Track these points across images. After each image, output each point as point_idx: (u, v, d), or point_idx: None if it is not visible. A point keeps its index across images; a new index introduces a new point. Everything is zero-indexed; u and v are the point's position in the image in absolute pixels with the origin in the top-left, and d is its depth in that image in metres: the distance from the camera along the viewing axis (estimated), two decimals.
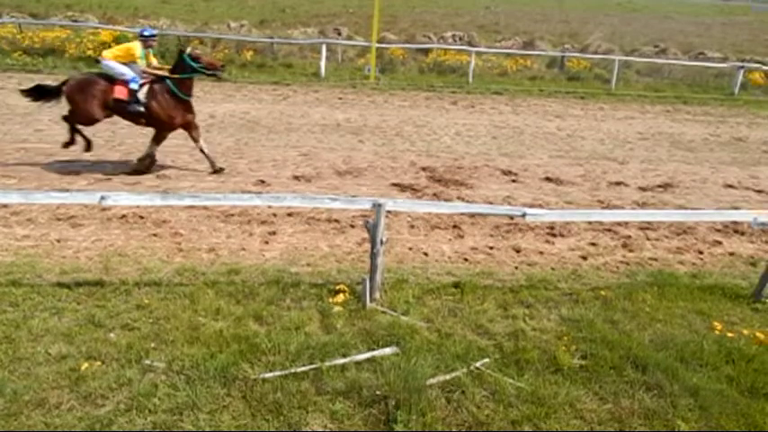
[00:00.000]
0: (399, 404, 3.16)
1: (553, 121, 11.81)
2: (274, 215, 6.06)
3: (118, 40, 14.60)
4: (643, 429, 3.18)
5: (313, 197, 5.25)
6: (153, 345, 3.66)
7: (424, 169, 7.94)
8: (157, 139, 7.23)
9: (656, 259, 5.63)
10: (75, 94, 6.85)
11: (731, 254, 5.88)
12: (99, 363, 3.44)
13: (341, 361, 3.54)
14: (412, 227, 6.06)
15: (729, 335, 4.13)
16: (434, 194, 6.99)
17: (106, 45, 14.48)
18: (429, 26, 22.56)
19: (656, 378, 3.56)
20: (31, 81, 12.38)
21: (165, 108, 6.93)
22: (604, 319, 4.28)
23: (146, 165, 7.22)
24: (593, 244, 5.88)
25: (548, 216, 5.01)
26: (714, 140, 10.92)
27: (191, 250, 5.19)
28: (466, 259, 5.37)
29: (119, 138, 8.64)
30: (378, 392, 3.26)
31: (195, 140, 7.36)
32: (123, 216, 5.77)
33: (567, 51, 17.87)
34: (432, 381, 3.39)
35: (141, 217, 5.79)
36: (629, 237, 6.07)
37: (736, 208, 7.10)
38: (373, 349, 3.69)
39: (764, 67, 16.51)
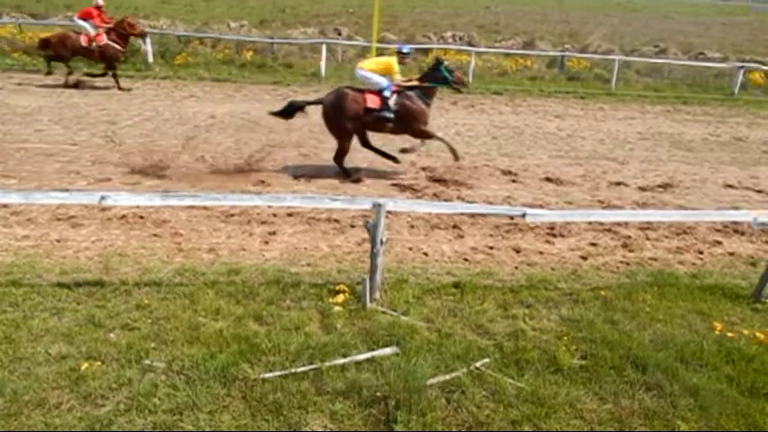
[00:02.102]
0: (399, 404, 3.16)
1: (553, 121, 11.81)
2: (274, 215, 6.06)
3: None
4: (643, 429, 3.18)
5: (313, 197, 5.25)
6: (153, 345, 3.66)
7: (424, 169, 7.94)
8: (423, 136, 7.58)
9: (656, 259, 5.63)
10: (331, 109, 7.21)
11: (731, 254, 5.88)
12: (99, 363, 3.44)
13: (341, 361, 3.54)
14: (412, 227, 6.06)
15: (729, 335, 4.13)
16: (434, 194, 6.99)
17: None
18: (429, 26, 22.57)
19: (656, 378, 3.56)
20: (31, 81, 12.54)
21: (419, 111, 7.36)
22: (604, 319, 4.28)
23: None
24: (593, 244, 5.88)
25: (548, 216, 5.01)
26: (714, 140, 10.92)
27: (191, 250, 5.19)
28: (466, 259, 5.37)
29: (119, 138, 8.63)
30: (378, 392, 3.26)
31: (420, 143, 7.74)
32: (123, 216, 5.77)
33: (566, 51, 17.87)
34: (432, 381, 3.39)
35: (141, 217, 5.79)
36: (629, 237, 6.07)
37: (736, 208, 7.09)
38: (373, 349, 3.69)
39: (764, 67, 16.51)
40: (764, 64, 16.81)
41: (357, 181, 7.36)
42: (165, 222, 5.73)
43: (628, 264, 5.48)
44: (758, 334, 4.12)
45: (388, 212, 4.76)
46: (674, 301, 4.65)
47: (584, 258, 5.55)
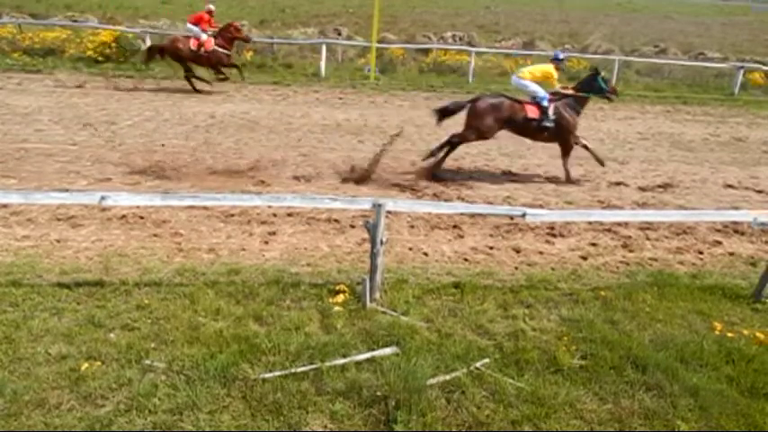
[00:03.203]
0: (399, 404, 3.16)
1: None
2: (274, 215, 6.06)
3: (118, 39, 14.64)
4: (643, 429, 3.18)
5: (313, 197, 5.25)
6: (153, 345, 3.66)
7: (424, 169, 7.93)
8: (567, 152, 7.82)
9: (656, 259, 5.62)
10: (484, 112, 7.45)
11: (731, 254, 5.87)
12: (99, 363, 3.43)
13: (341, 361, 3.54)
14: (412, 227, 6.05)
15: (729, 335, 4.13)
16: (434, 194, 6.99)
17: (106, 45, 14.54)
18: (429, 26, 22.57)
19: (656, 378, 3.56)
20: (31, 81, 12.53)
21: (572, 122, 7.65)
22: (604, 319, 4.28)
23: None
24: (593, 244, 5.87)
25: (548, 216, 5.01)
26: (714, 140, 10.92)
27: (191, 250, 5.19)
28: (466, 259, 5.37)
29: (119, 138, 8.64)
30: (378, 392, 3.26)
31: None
32: (123, 216, 5.77)
33: (566, 51, 17.85)
34: (432, 381, 3.39)
35: (141, 217, 5.79)
36: (629, 237, 6.07)
37: (736, 208, 7.09)
38: (373, 349, 3.69)
39: (764, 67, 16.51)
40: (764, 64, 16.81)
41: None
42: (165, 222, 5.73)
43: (628, 264, 5.48)
44: (758, 334, 4.12)
45: (388, 212, 4.76)
46: (674, 301, 4.65)
47: (584, 258, 5.55)
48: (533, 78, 7.58)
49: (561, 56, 8.00)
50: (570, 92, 7.76)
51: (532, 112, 7.47)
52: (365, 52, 15.58)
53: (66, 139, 8.43)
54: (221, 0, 28.60)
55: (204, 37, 11.98)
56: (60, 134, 8.67)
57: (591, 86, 7.74)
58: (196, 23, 12.12)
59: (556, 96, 7.64)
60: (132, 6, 23.42)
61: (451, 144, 7.78)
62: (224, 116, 10.37)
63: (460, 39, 19.42)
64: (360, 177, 7.35)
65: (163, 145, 8.38)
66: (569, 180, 7.77)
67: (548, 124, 7.49)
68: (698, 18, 34.30)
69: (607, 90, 7.78)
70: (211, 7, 12.41)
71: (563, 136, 7.68)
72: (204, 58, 12.18)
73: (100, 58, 14.43)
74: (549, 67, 7.67)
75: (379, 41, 15.58)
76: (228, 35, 12.28)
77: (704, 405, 3.35)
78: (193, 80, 12.35)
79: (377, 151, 7.68)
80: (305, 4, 29.45)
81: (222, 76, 12.55)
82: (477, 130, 7.59)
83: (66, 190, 6.10)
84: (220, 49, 12.14)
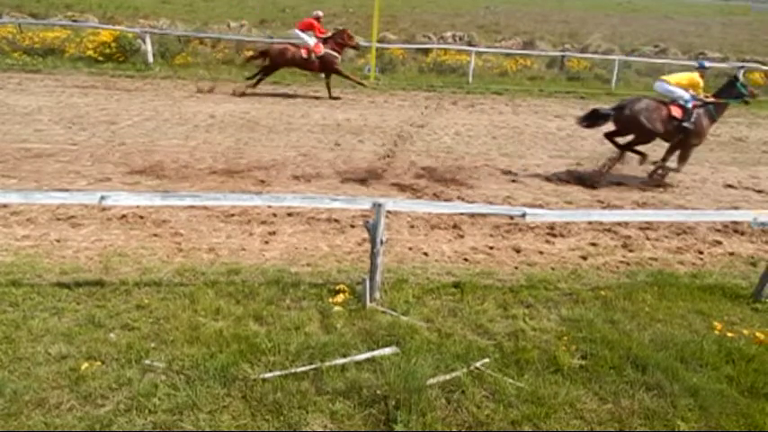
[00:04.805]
0: (399, 404, 3.16)
1: (553, 121, 11.81)
2: (274, 215, 6.06)
3: (118, 39, 14.64)
4: (643, 429, 3.18)
5: (313, 197, 5.25)
6: (153, 345, 3.66)
7: (424, 169, 7.94)
8: (685, 156, 7.99)
9: (656, 259, 5.63)
10: (647, 117, 7.59)
11: (731, 254, 5.88)
12: (99, 363, 3.43)
13: (341, 361, 3.54)
14: (412, 227, 6.05)
15: (729, 335, 4.13)
16: (434, 194, 6.99)
17: (106, 45, 14.56)
18: (429, 26, 22.55)
19: (656, 378, 3.55)
20: (31, 81, 12.54)
21: (705, 129, 7.85)
22: (604, 319, 4.28)
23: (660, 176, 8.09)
24: (593, 244, 5.88)
25: (548, 216, 5.01)
26: (714, 140, 10.90)
27: (191, 250, 5.19)
28: (466, 259, 5.37)
29: (119, 138, 8.64)
30: (378, 392, 3.26)
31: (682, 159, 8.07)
32: (123, 216, 5.77)
33: (566, 51, 17.87)
34: (432, 381, 3.39)
35: (141, 217, 5.79)
36: (629, 237, 6.07)
37: (736, 208, 7.09)
38: (373, 349, 3.69)
39: (764, 67, 16.51)
40: (764, 64, 16.80)
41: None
42: (165, 222, 5.73)
43: (628, 264, 5.48)
44: (758, 334, 4.12)
45: (388, 212, 4.76)
46: (674, 301, 4.65)
47: (584, 258, 5.55)
48: (679, 85, 7.78)
49: (706, 64, 8.30)
50: (711, 99, 7.88)
51: (676, 112, 7.67)
52: (365, 52, 15.58)
53: (66, 139, 8.43)
54: (221, 0, 28.63)
55: (312, 43, 12.03)
56: (60, 134, 8.67)
57: (730, 93, 7.88)
58: (304, 30, 12.17)
59: (698, 102, 7.80)
60: (132, 6, 23.41)
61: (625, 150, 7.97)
62: (224, 116, 10.37)
63: (460, 39, 19.42)
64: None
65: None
66: (661, 171, 8.01)
67: (688, 126, 7.64)
68: (698, 18, 34.29)
69: (746, 94, 7.89)
70: (319, 13, 12.50)
71: (692, 141, 7.84)
72: (316, 64, 12.23)
73: (100, 58, 14.43)
74: (695, 75, 7.86)
75: (379, 41, 15.57)
76: (341, 41, 12.33)
77: (704, 405, 3.35)
78: (256, 83, 12.43)
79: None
80: (305, 4, 29.41)
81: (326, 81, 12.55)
82: (643, 134, 7.75)
83: (67, 190, 6.10)
84: (331, 51, 12.21)
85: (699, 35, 25.69)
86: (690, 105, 7.65)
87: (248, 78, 12.62)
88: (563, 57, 17.04)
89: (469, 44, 18.18)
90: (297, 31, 12.30)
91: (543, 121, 11.73)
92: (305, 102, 12.21)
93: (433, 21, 25.14)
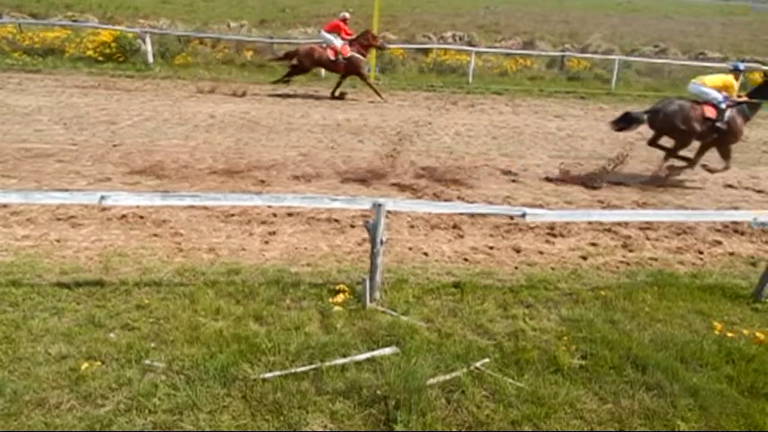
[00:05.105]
0: (399, 404, 3.16)
1: (553, 121, 11.81)
2: (274, 215, 6.06)
3: (118, 39, 14.65)
4: (643, 429, 3.18)
5: (313, 197, 5.25)
6: (153, 345, 3.66)
7: (424, 169, 7.94)
8: (726, 155, 8.08)
9: (656, 259, 5.63)
10: (682, 118, 7.70)
11: (731, 254, 5.88)
12: (99, 363, 3.43)
13: (341, 361, 3.54)
14: (412, 227, 6.05)
15: (729, 335, 4.13)
16: (434, 194, 6.99)
17: (106, 45, 14.57)
18: (429, 26, 22.55)
19: (656, 378, 3.55)
20: (31, 81, 12.55)
21: (740, 128, 7.93)
22: (604, 319, 4.28)
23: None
24: (593, 244, 5.87)
25: (548, 216, 5.01)
26: None
27: (191, 250, 5.19)
28: (466, 259, 5.37)
29: (119, 138, 8.64)
30: (378, 392, 3.26)
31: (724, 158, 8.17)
32: (123, 216, 5.77)
33: (566, 51, 17.87)
34: (432, 381, 3.39)
35: (141, 217, 5.79)
36: (629, 237, 6.07)
37: (736, 208, 7.09)
38: (373, 349, 3.69)
39: (764, 67, 16.49)
40: (764, 64, 16.80)
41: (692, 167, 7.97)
42: (165, 222, 5.73)
43: (628, 264, 5.48)
44: (758, 334, 4.12)
45: (388, 212, 4.76)
46: (674, 301, 4.65)
47: (584, 258, 5.55)
48: (713, 86, 7.86)
49: (741, 66, 8.33)
50: (744, 99, 7.95)
51: (710, 112, 7.75)
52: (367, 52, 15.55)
53: (66, 139, 8.44)
54: (221, 0, 28.63)
55: (339, 44, 12.06)
56: (60, 134, 8.67)
57: (764, 93, 7.96)
58: (331, 31, 12.20)
59: (732, 103, 7.87)
60: (132, 6, 23.41)
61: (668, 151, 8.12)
62: (224, 116, 10.37)
63: (460, 39, 19.42)
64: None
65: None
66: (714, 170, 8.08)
67: (721, 126, 7.72)
68: (698, 18, 34.28)
69: None
70: (346, 15, 12.56)
71: (728, 140, 7.92)
72: (342, 66, 12.26)
73: (100, 58, 14.43)
74: (730, 77, 7.92)
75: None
76: (365, 42, 12.35)
77: (704, 405, 3.35)
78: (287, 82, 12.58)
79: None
80: (305, 4, 29.41)
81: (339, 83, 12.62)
82: (681, 138, 7.86)
83: (67, 190, 6.09)
84: (357, 55, 12.26)
85: (699, 35, 25.69)
86: (723, 106, 7.74)
87: (275, 82, 12.66)
88: (563, 57, 17.04)
89: (469, 44, 18.18)
90: (323, 33, 12.36)
91: (543, 121, 11.74)
92: (305, 102, 12.21)
93: (433, 21, 25.13)
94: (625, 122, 7.97)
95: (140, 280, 4.50)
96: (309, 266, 5.01)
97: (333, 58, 12.10)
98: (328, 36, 12.17)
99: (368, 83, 12.77)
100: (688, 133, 7.78)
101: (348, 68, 12.35)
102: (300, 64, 12.24)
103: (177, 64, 14.76)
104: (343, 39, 12.19)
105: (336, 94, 12.60)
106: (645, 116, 7.92)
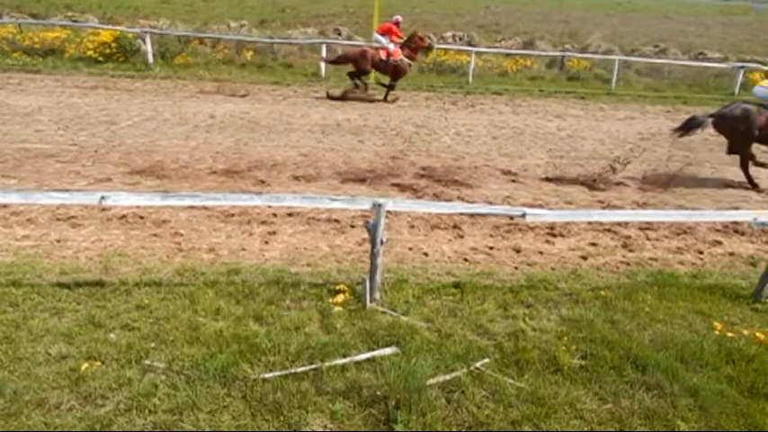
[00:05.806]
0: (399, 404, 3.16)
1: (553, 121, 11.81)
2: (274, 215, 6.06)
3: (118, 39, 14.65)
4: (643, 429, 3.18)
5: (313, 197, 5.25)
6: (153, 345, 3.66)
7: (424, 169, 7.94)
8: None
9: (656, 259, 5.62)
10: (745, 123, 7.75)
11: (731, 254, 5.88)
12: (99, 363, 3.43)
13: (341, 361, 3.54)
14: (412, 227, 6.05)
15: (729, 335, 4.13)
16: (434, 194, 6.99)
17: (106, 45, 14.57)
18: (429, 26, 22.54)
19: (656, 378, 3.55)
20: (31, 81, 12.54)
21: None
22: (604, 319, 4.28)
23: None
24: (593, 244, 5.87)
25: (548, 216, 5.00)
26: (714, 140, 10.88)
27: (191, 250, 5.19)
28: (466, 259, 5.37)
29: (118, 138, 8.64)
30: (378, 392, 3.26)
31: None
32: (123, 216, 5.77)
33: (566, 51, 17.87)
34: (432, 381, 3.39)
35: (141, 217, 5.79)
36: (629, 237, 6.07)
37: (736, 208, 7.09)
38: (373, 349, 3.69)
39: (764, 67, 16.50)
40: (764, 64, 16.80)
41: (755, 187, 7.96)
42: (165, 222, 5.73)
43: (628, 264, 5.48)
44: (758, 334, 4.12)
45: (388, 212, 4.76)
46: (674, 301, 4.65)
47: (584, 258, 5.54)
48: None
49: None
50: None
51: None
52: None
53: (66, 139, 8.44)
54: (221, 0, 28.63)
55: (392, 47, 12.21)
56: (60, 134, 8.67)
57: None
58: (384, 34, 12.34)
59: None
60: (132, 6, 23.43)
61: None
62: (224, 116, 10.37)
63: (460, 39, 19.42)
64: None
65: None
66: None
67: None
68: (698, 18, 34.29)
69: None
70: (399, 18, 12.78)
71: None
72: (391, 67, 12.38)
73: (100, 59, 14.43)
74: None
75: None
76: (414, 45, 12.48)
77: (704, 405, 3.35)
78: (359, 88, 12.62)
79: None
80: (305, 4, 29.43)
81: (390, 85, 12.65)
82: (741, 141, 7.90)
83: (67, 190, 6.09)
84: (407, 60, 12.41)
85: (699, 35, 25.70)
86: None
87: (338, 98, 12.50)
88: (563, 57, 17.04)
89: (469, 44, 18.18)
90: (376, 35, 12.54)
91: (543, 121, 11.73)
92: (305, 102, 12.21)
93: (433, 21, 25.14)
94: (689, 127, 8.07)
95: (140, 280, 4.50)
96: (309, 266, 5.00)
97: (384, 58, 12.27)
98: (381, 38, 12.36)
99: (393, 85, 12.80)
100: (746, 137, 7.80)
101: (395, 72, 12.50)
102: (357, 65, 12.32)
103: (177, 64, 14.76)
104: (393, 41, 12.36)
105: (389, 99, 12.68)
106: (710, 120, 7.98)
